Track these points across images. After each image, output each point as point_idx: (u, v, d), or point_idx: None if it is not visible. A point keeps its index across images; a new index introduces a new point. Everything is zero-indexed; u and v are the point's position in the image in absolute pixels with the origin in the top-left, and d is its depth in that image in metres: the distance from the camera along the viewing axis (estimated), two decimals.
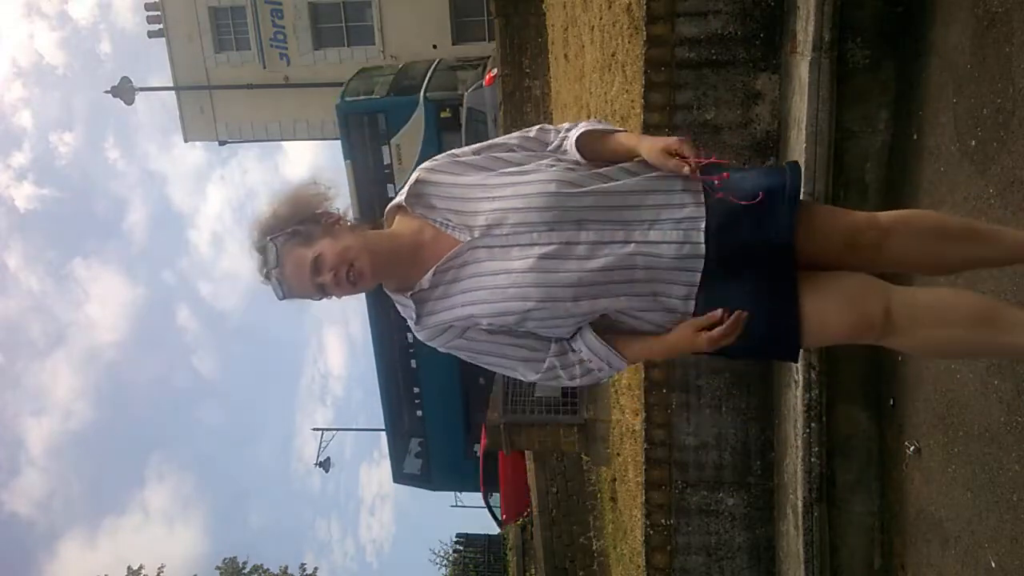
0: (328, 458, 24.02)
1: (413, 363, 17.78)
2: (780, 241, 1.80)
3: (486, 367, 1.99)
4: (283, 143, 24.29)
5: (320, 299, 1.88)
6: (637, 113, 3.85)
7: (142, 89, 19.91)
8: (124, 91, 19.42)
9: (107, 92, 19.45)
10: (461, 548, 22.61)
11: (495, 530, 21.46)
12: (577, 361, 1.90)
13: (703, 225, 1.78)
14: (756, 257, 1.81)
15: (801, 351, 1.97)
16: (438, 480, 19.56)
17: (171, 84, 19.31)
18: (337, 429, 24.80)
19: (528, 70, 10.20)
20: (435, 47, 16.86)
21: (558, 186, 1.79)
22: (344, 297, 1.90)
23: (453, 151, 1.93)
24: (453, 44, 16.60)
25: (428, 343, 1.96)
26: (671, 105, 3.63)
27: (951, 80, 2.78)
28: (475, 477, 15.96)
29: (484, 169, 1.87)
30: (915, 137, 3.06)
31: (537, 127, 1.97)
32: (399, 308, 1.93)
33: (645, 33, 3.60)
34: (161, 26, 18.92)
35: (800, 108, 3.31)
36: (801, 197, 1.86)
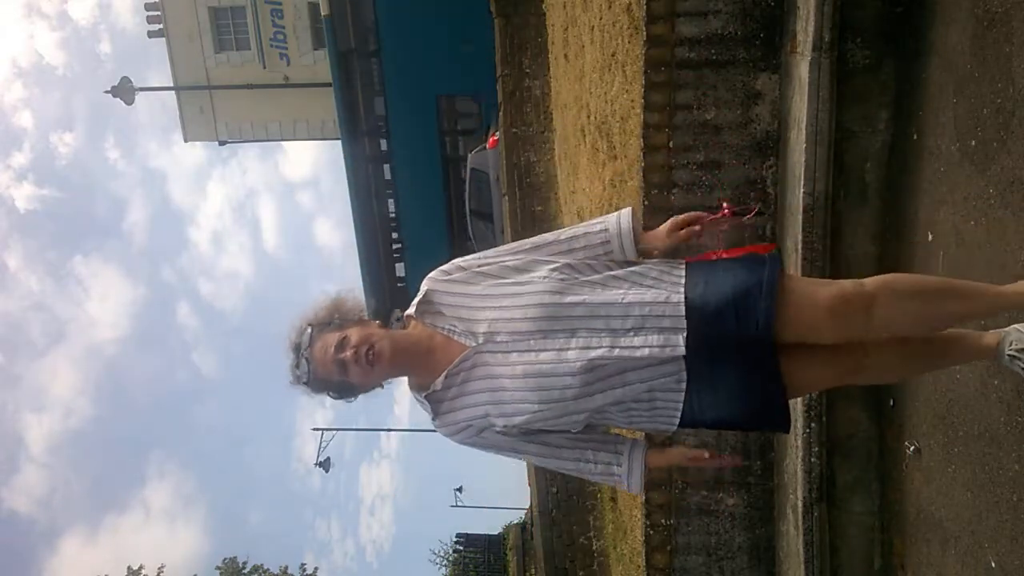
0: (328, 458, 23.99)
1: (395, 234, 15.78)
2: (760, 335, 1.94)
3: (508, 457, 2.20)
4: (283, 143, 24.30)
5: (338, 389, 2.10)
6: (637, 113, 3.85)
7: (142, 89, 19.93)
8: (124, 91, 19.43)
9: (107, 92, 19.47)
10: (461, 548, 22.62)
11: (495, 530, 21.46)
12: (602, 461, 2.11)
13: (684, 335, 1.93)
14: (740, 348, 1.97)
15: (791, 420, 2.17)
16: None
17: (171, 84, 19.31)
18: (337, 429, 24.76)
19: (528, 70, 10.20)
20: None
21: (551, 297, 1.98)
22: (361, 389, 2.12)
23: (458, 261, 2.14)
24: None
25: (448, 438, 2.15)
26: (671, 105, 3.63)
27: (951, 80, 2.78)
28: None
29: (489, 277, 2.06)
30: (915, 137, 3.06)
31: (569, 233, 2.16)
32: (419, 405, 2.12)
33: (645, 33, 3.60)
34: (161, 26, 18.93)
35: (800, 108, 3.31)
36: (783, 267, 2.11)
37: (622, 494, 6.08)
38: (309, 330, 2.07)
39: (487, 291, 2.03)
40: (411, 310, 2.11)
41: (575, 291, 2.00)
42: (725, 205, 2.20)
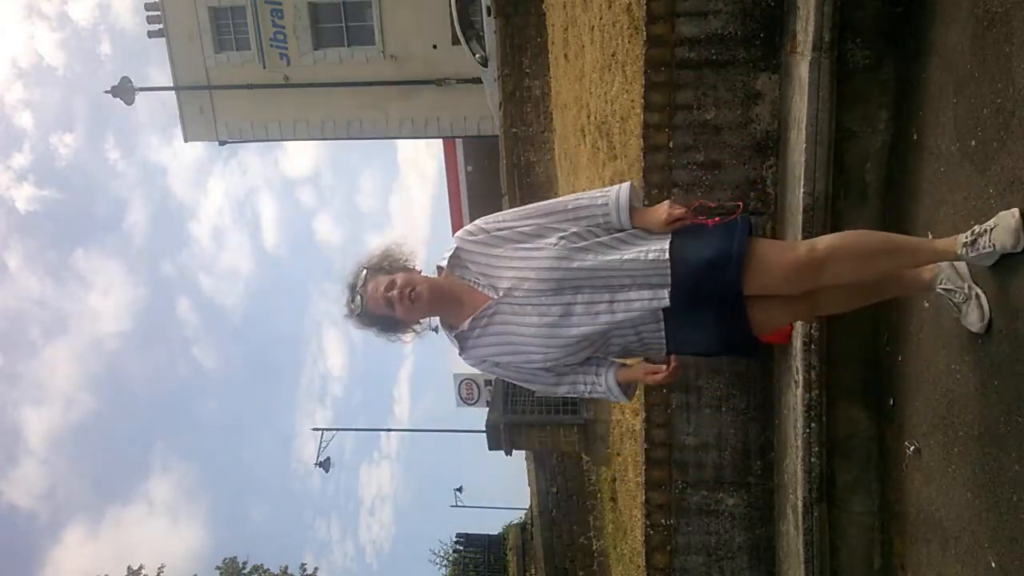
0: (328, 458, 23.98)
1: None
2: (730, 293, 2.42)
3: (515, 383, 2.74)
4: (283, 143, 24.29)
5: (383, 324, 2.54)
6: (637, 113, 3.85)
7: (142, 89, 19.89)
8: (124, 91, 19.40)
9: (107, 92, 19.43)
10: (461, 548, 22.61)
11: (495, 530, 21.44)
12: (588, 383, 2.61)
13: (668, 291, 2.40)
14: (715, 299, 2.43)
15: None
16: None
17: (171, 84, 19.29)
18: (337, 429, 24.74)
19: (528, 70, 10.21)
20: (435, 47, 16.86)
21: (559, 262, 2.41)
22: (404, 326, 2.57)
23: (479, 223, 2.55)
24: (453, 44, 16.59)
25: (472, 366, 2.66)
26: (671, 105, 3.63)
27: (951, 80, 2.78)
28: None
29: (506, 241, 2.47)
30: (915, 137, 3.06)
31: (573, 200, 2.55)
32: (449, 340, 2.60)
33: (645, 33, 3.60)
34: (161, 26, 18.90)
35: (800, 108, 3.31)
36: (752, 234, 2.48)
37: (622, 494, 6.08)
38: (364, 272, 2.51)
39: (506, 254, 2.46)
40: (443, 263, 2.53)
41: (580, 256, 2.42)
42: (713, 218, 2.54)
